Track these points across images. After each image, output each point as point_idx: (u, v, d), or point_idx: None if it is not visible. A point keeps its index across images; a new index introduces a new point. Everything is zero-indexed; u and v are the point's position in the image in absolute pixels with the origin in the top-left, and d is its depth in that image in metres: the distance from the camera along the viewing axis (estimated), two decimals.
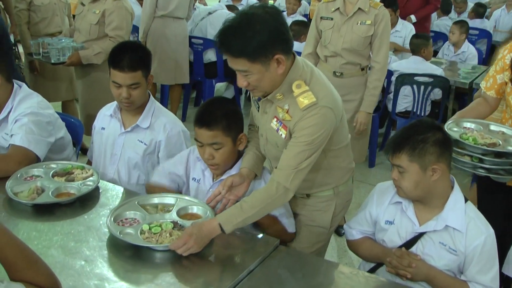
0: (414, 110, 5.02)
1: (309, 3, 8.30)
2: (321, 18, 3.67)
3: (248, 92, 4.58)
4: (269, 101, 2.12)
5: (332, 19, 3.60)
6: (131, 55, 2.55)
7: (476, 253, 2.01)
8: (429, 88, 4.91)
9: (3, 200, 2.34)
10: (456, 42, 6.18)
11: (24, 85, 2.84)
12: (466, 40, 6.26)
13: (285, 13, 6.97)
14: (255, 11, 1.94)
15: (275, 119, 2.12)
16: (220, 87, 6.97)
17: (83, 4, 4.30)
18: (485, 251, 2.02)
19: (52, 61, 4.23)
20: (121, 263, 1.97)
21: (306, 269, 2.01)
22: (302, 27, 5.44)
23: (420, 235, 2.09)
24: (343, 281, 1.99)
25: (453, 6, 7.94)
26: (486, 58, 6.98)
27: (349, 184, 2.45)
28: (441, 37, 7.01)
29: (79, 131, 3.20)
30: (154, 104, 2.72)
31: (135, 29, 5.63)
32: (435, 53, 6.46)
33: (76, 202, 2.35)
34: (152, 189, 2.45)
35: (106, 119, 2.79)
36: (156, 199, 2.30)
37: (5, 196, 2.34)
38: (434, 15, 7.27)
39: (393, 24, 5.52)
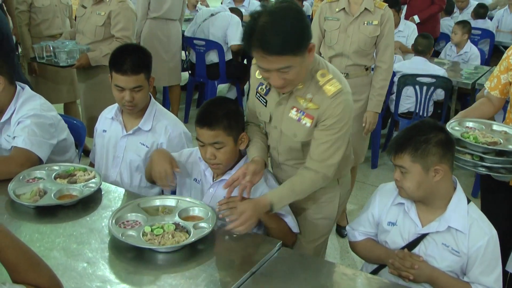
0: (417, 111, 5.01)
1: (311, 4, 8.30)
2: (325, 18, 3.65)
3: (248, 92, 4.57)
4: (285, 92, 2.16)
5: (338, 19, 3.59)
6: (133, 58, 2.54)
7: (479, 255, 2.01)
8: (432, 88, 4.90)
9: (5, 202, 2.34)
10: (458, 42, 6.16)
11: (26, 87, 2.85)
12: (469, 41, 6.25)
13: None
14: (277, 6, 1.95)
15: (295, 109, 2.16)
16: (223, 89, 6.98)
17: (84, 7, 4.30)
18: (488, 252, 2.01)
19: (61, 64, 4.24)
20: (123, 265, 1.97)
21: (309, 270, 2.00)
22: None
23: (423, 236, 2.09)
24: (345, 283, 1.98)
25: (455, 4, 7.93)
26: (489, 59, 6.97)
27: (349, 174, 2.53)
28: (443, 37, 6.99)
29: (81, 133, 3.21)
30: (155, 106, 2.72)
31: None
32: (438, 54, 6.45)
33: (78, 204, 2.35)
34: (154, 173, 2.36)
35: (108, 121, 2.79)
36: (157, 201, 2.30)
37: (7, 198, 2.34)
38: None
39: (396, 24, 5.51)
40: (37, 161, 2.63)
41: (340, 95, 2.08)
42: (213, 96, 5.88)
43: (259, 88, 2.29)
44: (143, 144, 2.68)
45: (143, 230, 2.07)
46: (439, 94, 4.97)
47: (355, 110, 3.71)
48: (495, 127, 2.48)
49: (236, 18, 5.85)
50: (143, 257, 1.99)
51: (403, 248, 2.11)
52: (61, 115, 2.95)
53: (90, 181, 2.48)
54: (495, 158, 2.23)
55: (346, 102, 2.10)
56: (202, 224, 2.12)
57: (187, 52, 6.40)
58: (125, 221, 2.16)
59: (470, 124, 2.49)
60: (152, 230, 2.06)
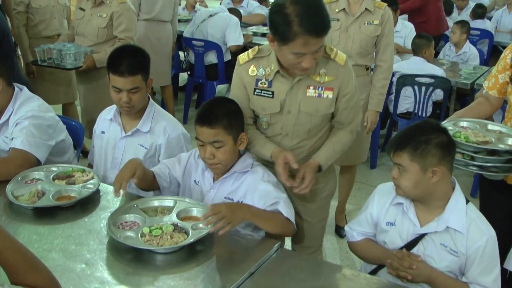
0: (416, 111, 5.01)
1: None
2: None
3: None
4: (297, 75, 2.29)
5: (338, 20, 3.59)
6: (130, 59, 2.55)
7: (478, 255, 2.00)
8: (431, 89, 4.90)
9: (3, 204, 2.34)
10: (457, 42, 6.17)
11: (25, 88, 2.84)
12: (468, 41, 6.25)
13: None
14: None
15: (312, 88, 2.30)
16: (222, 89, 6.98)
17: (82, 9, 4.31)
18: (487, 252, 2.01)
19: (68, 67, 4.25)
20: (121, 266, 1.97)
21: (307, 271, 2.00)
22: None
23: (421, 236, 2.08)
24: (344, 283, 1.98)
25: (455, 5, 7.93)
26: (488, 59, 6.97)
27: None
28: (442, 38, 7.00)
29: (79, 134, 3.21)
30: (154, 108, 2.72)
31: None
32: (437, 54, 6.45)
33: (76, 205, 2.35)
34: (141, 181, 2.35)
35: (106, 123, 2.79)
36: (155, 202, 2.30)
37: (5, 199, 2.34)
38: None
39: (393, 24, 5.49)
40: (35, 163, 2.63)
41: (348, 61, 2.32)
42: (212, 97, 5.88)
43: (259, 83, 2.33)
44: (142, 146, 2.68)
45: (142, 231, 2.06)
46: (438, 94, 4.97)
47: None
48: (490, 126, 2.49)
49: (235, 19, 5.84)
50: (141, 258, 1.99)
51: (401, 248, 2.10)
52: (59, 116, 2.95)
53: (89, 182, 2.48)
54: (485, 157, 2.24)
55: (351, 66, 2.38)
56: (201, 225, 2.12)
57: (185, 53, 6.40)
58: (123, 222, 2.16)
59: (465, 124, 2.50)
60: (150, 231, 2.06)
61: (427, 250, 2.07)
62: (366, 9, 3.52)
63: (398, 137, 2.08)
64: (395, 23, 5.69)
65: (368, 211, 2.25)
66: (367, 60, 3.65)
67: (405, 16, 6.70)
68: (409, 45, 5.61)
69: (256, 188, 2.27)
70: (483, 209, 2.59)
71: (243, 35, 5.92)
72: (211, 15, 5.86)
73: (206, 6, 7.82)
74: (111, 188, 2.51)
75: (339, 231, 3.99)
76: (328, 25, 2.08)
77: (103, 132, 2.79)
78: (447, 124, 2.45)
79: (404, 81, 4.94)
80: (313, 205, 2.57)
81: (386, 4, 3.58)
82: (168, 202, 2.29)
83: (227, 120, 2.22)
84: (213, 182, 2.38)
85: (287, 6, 2.04)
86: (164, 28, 5.58)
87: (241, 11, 6.72)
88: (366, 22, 3.53)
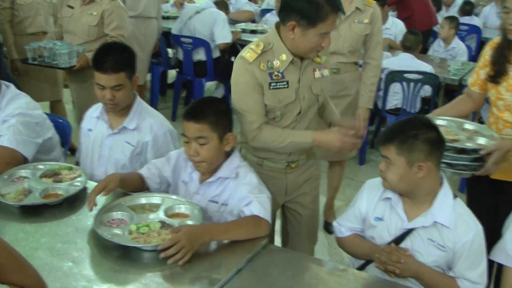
0: (404, 107, 5.03)
1: None
2: None
3: None
4: (303, 61, 2.38)
5: None
6: (114, 56, 2.54)
7: (465, 250, 2.02)
8: (419, 85, 4.92)
9: None
10: (446, 37, 6.19)
11: (12, 86, 2.82)
12: (456, 37, 6.28)
13: (274, 11, 6.95)
14: None
15: (317, 70, 2.43)
16: (210, 86, 6.96)
17: (71, 7, 4.28)
18: (474, 247, 2.03)
19: (62, 66, 4.22)
20: (109, 264, 1.96)
21: (295, 267, 2.01)
22: None
23: (409, 231, 2.09)
24: (332, 279, 1.98)
25: (442, 1, 7.96)
26: (476, 55, 7.00)
27: None
28: (432, 34, 7.02)
29: (67, 132, 3.19)
30: (140, 105, 2.71)
31: None
32: (425, 50, 6.47)
33: (63, 203, 2.34)
34: (125, 182, 2.33)
35: (93, 120, 2.77)
36: (143, 199, 2.29)
37: None
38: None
39: (382, 20, 5.51)
40: (23, 160, 2.61)
41: None
42: (200, 94, 5.86)
43: (274, 75, 2.33)
44: (129, 143, 2.66)
45: (129, 229, 2.06)
46: (427, 90, 4.99)
47: (345, 104, 3.73)
48: (466, 125, 2.53)
49: (222, 15, 5.79)
50: (129, 255, 1.99)
51: (389, 243, 2.11)
52: (46, 113, 2.93)
53: (76, 180, 2.47)
54: (453, 155, 2.27)
55: None
56: (188, 222, 2.12)
57: (174, 50, 6.38)
58: (110, 220, 2.15)
59: (440, 122, 2.51)
60: (137, 229, 2.05)
61: (415, 245, 2.08)
62: (356, 8, 3.52)
63: (388, 131, 2.11)
64: (384, 18, 5.73)
65: (356, 207, 2.26)
66: (356, 57, 3.67)
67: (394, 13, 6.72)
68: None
69: (237, 192, 2.26)
70: (469, 203, 2.61)
71: (232, 32, 5.89)
72: (198, 12, 5.82)
73: (191, 1, 7.73)
74: None
75: (328, 227, 4.00)
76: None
77: (90, 129, 2.78)
78: None
79: (393, 77, 4.96)
80: (314, 192, 2.71)
81: (375, 2, 3.59)
82: (155, 199, 2.28)
83: (214, 117, 2.21)
84: (199, 184, 2.36)
85: None
86: (150, 25, 5.57)
87: (230, 8, 6.70)
88: (357, 20, 3.54)
